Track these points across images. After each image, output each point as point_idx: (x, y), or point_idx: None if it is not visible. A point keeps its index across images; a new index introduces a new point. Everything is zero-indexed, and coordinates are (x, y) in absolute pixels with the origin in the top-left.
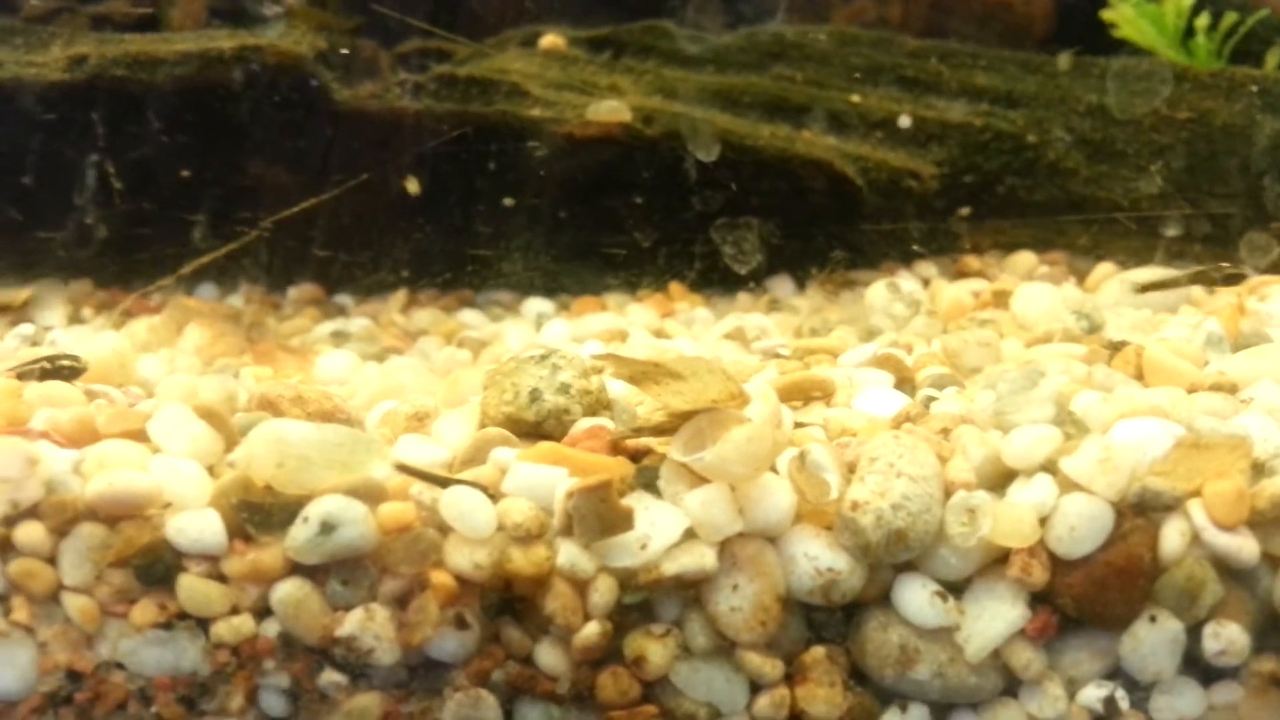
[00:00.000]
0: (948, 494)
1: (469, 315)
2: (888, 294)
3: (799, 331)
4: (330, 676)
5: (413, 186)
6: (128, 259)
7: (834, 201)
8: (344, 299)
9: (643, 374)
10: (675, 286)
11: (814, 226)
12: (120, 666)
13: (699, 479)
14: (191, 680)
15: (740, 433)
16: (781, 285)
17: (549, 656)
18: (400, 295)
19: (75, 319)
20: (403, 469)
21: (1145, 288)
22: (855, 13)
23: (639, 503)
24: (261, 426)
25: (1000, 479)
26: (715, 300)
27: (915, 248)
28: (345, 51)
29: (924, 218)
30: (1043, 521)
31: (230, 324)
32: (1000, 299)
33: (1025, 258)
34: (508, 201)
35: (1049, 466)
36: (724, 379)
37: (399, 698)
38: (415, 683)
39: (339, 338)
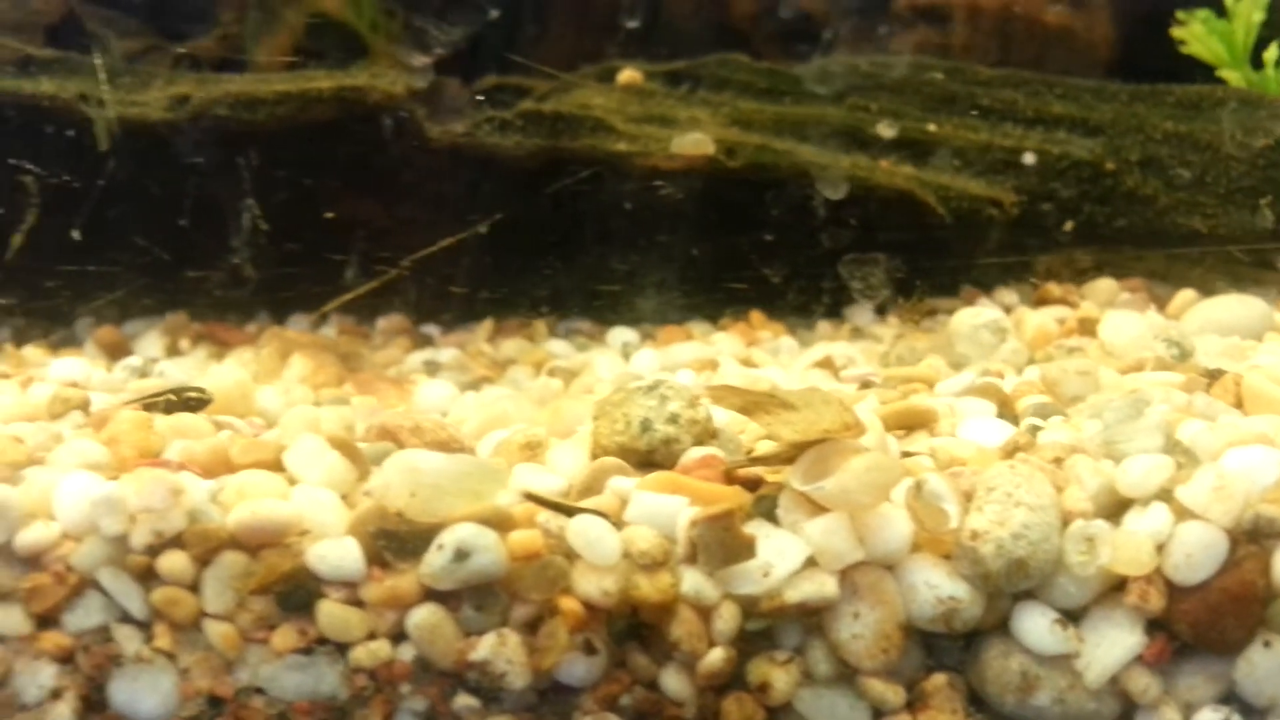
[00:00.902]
0: (1065, 523)
1: (556, 345)
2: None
3: (885, 360)
4: (464, 700)
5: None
6: (272, 296)
7: (914, 230)
8: (430, 329)
9: (754, 404)
10: (756, 315)
11: (894, 255)
12: (260, 691)
13: (818, 508)
14: (330, 704)
15: (860, 462)
16: (862, 314)
17: (674, 682)
18: (486, 325)
19: (173, 351)
20: (531, 498)
21: None
22: (917, 41)
23: (759, 531)
24: (395, 456)
25: (1114, 508)
26: (795, 329)
27: (997, 275)
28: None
29: (1004, 245)
30: (1158, 549)
31: (328, 354)
32: (1086, 326)
33: (1106, 284)
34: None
35: (1163, 495)
36: (839, 409)
37: None
38: (544, 707)
39: (431, 367)
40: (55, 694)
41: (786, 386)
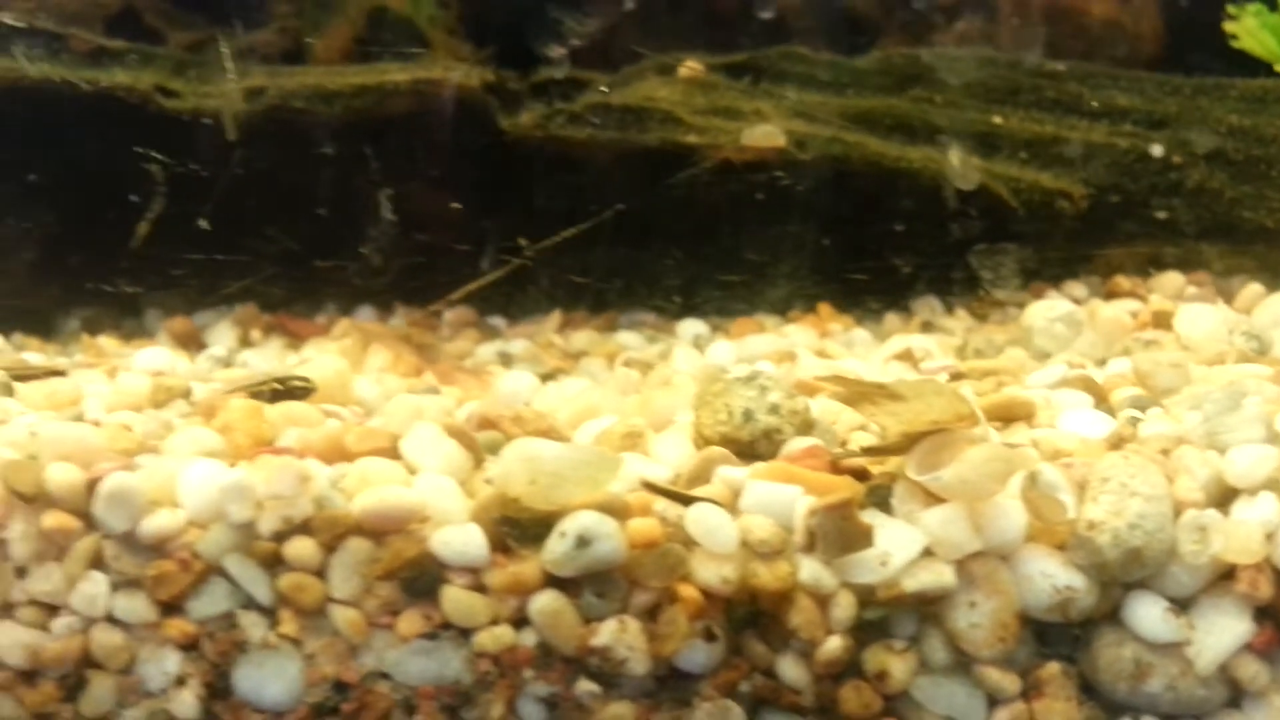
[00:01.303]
0: (1177, 513)
1: (626, 337)
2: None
3: (962, 353)
4: (585, 686)
5: None
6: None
7: (984, 222)
8: (497, 321)
9: (860, 395)
10: (824, 307)
11: (965, 247)
12: (385, 676)
13: (934, 498)
14: (455, 689)
15: (978, 453)
16: (929, 306)
17: (791, 669)
18: (555, 316)
19: (245, 341)
20: (649, 487)
21: None
22: (960, 34)
23: (874, 521)
24: (514, 444)
25: (1222, 497)
26: (863, 321)
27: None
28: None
29: (1072, 238)
30: (1268, 538)
31: (404, 346)
32: (1160, 319)
33: (1173, 278)
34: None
35: (1271, 485)
36: (953, 400)
37: (650, 707)
38: (664, 693)
39: (505, 359)
40: (180, 681)
41: (869, 378)
